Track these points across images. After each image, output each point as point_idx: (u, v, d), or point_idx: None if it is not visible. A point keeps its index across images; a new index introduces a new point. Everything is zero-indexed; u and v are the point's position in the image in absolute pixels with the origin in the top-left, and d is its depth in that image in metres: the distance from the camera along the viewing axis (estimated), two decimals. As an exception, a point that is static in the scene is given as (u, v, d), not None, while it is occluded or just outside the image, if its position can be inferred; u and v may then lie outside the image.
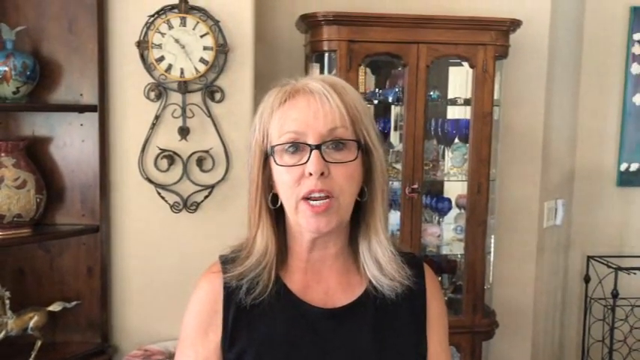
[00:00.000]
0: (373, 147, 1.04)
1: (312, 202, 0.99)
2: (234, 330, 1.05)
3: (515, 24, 2.46)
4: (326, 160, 0.98)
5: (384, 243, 1.06)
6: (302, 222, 1.01)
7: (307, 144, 0.99)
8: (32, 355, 2.10)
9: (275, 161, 1.02)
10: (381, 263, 1.06)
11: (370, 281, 1.07)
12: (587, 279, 3.17)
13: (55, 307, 2.17)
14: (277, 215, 1.07)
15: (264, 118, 1.04)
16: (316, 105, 0.99)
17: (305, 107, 1.00)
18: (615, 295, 2.97)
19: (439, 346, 1.13)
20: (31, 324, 2.09)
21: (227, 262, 1.09)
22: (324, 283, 1.08)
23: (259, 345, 1.04)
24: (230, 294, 1.05)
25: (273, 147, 1.02)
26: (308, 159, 0.98)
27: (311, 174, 0.98)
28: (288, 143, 1.00)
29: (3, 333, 2.02)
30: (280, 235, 1.08)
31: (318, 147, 0.98)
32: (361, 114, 1.03)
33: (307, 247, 1.07)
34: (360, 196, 1.05)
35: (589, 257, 3.16)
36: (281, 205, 1.05)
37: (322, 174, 0.98)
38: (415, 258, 1.15)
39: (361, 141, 1.02)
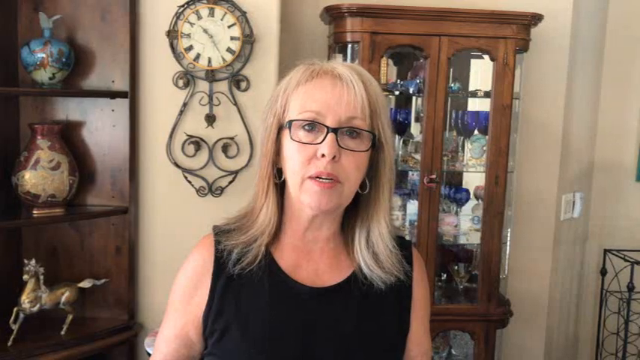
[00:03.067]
0: (385, 142, 1.07)
1: (319, 180, 1.01)
2: (221, 301, 1.07)
3: (536, 18, 2.48)
4: (339, 146, 1.00)
5: (386, 237, 1.09)
6: (304, 198, 1.03)
7: (325, 125, 1.01)
8: (64, 329, 2.21)
9: (290, 135, 1.03)
10: (378, 255, 1.09)
11: (360, 266, 1.10)
12: (603, 272, 3.19)
13: (85, 284, 2.27)
14: (278, 190, 1.08)
15: (288, 91, 1.05)
16: (341, 89, 1.01)
17: (330, 89, 1.02)
18: (631, 288, 2.99)
19: (421, 329, 1.17)
20: (63, 299, 2.20)
21: (221, 233, 1.10)
22: (314, 264, 1.10)
23: (245, 319, 1.06)
24: (221, 265, 1.07)
25: (291, 121, 1.03)
26: (323, 140, 1.00)
27: (323, 155, 1.00)
28: (306, 120, 1.02)
29: (38, 306, 2.13)
30: (279, 211, 1.09)
31: (334, 130, 1.00)
32: (381, 108, 1.05)
33: (304, 225, 1.09)
34: (360, 189, 1.07)
35: (606, 250, 3.18)
36: (282, 181, 1.07)
37: (334, 158, 1.00)
38: (405, 242, 1.17)
39: (376, 134, 1.04)
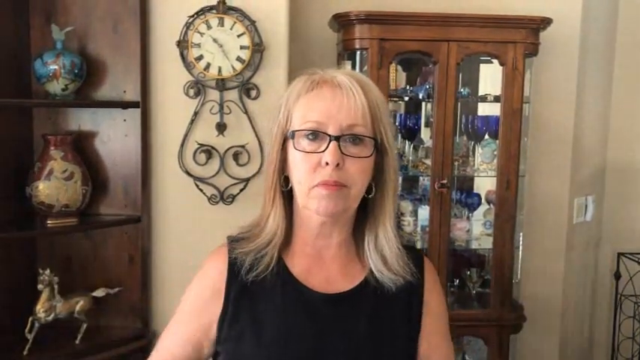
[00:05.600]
0: (389, 146, 1.09)
1: (325, 185, 1.02)
2: (236, 307, 1.09)
3: (545, 22, 2.48)
4: (342, 153, 1.02)
5: (392, 239, 1.10)
6: (312, 204, 1.04)
7: (327, 134, 1.03)
8: (78, 338, 2.22)
9: (293, 145, 1.06)
10: (386, 258, 1.10)
11: (371, 271, 1.11)
12: (617, 276, 3.17)
13: (99, 293, 2.29)
14: (287, 198, 1.11)
15: (290, 103, 1.08)
16: (341, 98, 1.03)
17: (330, 98, 1.04)
18: (646, 292, 2.98)
19: (439, 337, 1.16)
20: (77, 308, 2.21)
21: (234, 242, 1.13)
22: (325, 270, 1.12)
23: (259, 325, 1.07)
24: (234, 273, 1.10)
25: (294, 132, 1.06)
26: (326, 148, 1.02)
27: (327, 163, 1.02)
28: (308, 130, 1.04)
29: (52, 315, 2.15)
30: (288, 217, 1.12)
31: (337, 138, 1.02)
32: (382, 113, 1.07)
33: (313, 233, 1.11)
34: (367, 192, 1.08)
35: (619, 254, 3.16)
36: (290, 189, 1.09)
37: (337, 165, 1.02)
38: (415, 251, 1.19)
39: (378, 139, 1.06)
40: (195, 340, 1.11)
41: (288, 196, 1.11)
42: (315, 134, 1.04)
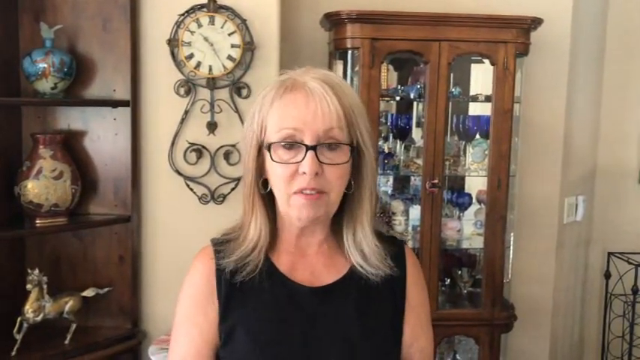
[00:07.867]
0: (365, 147, 1.09)
1: (304, 193, 1.04)
2: (226, 307, 1.10)
3: (536, 22, 2.49)
4: (320, 161, 1.03)
5: (369, 236, 1.12)
6: (292, 212, 1.06)
7: (304, 144, 1.03)
8: (67, 338, 2.21)
9: (270, 157, 1.06)
10: (365, 253, 1.12)
11: (353, 263, 1.13)
12: (607, 275, 3.18)
13: (89, 293, 2.27)
14: (268, 199, 1.11)
15: (263, 111, 1.07)
16: (315, 104, 1.03)
17: (303, 105, 1.03)
18: (635, 291, 2.99)
19: (418, 328, 1.18)
20: (67, 308, 2.20)
21: (219, 245, 1.13)
22: (310, 265, 1.14)
23: (249, 321, 1.09)
24: (222, 274, 1.10)
25: (270, 144, 1.05)
26: (303, 158, 1.03)
27: (305, 173, 1.02)
28: (284, 141, 1.04)
29: (41, 315, 2.13)
30: (271, 219, 1.12)
31: (313, 148, 1.02)
32: (356, 116, 1.07)
33: (295, 234, 1.13)
34: (347, 189, 1.10)
35: (609, 253, 3.18)
36: (270, 191, 1.10)
37: (316, 174, 1.02)
38: (397, 242, 1.20)
39: (354, 143, 1.07)
40: (213, 343, 1.10)
41: (269, 197, 1.11)
42: (292, 143, 1.04)
